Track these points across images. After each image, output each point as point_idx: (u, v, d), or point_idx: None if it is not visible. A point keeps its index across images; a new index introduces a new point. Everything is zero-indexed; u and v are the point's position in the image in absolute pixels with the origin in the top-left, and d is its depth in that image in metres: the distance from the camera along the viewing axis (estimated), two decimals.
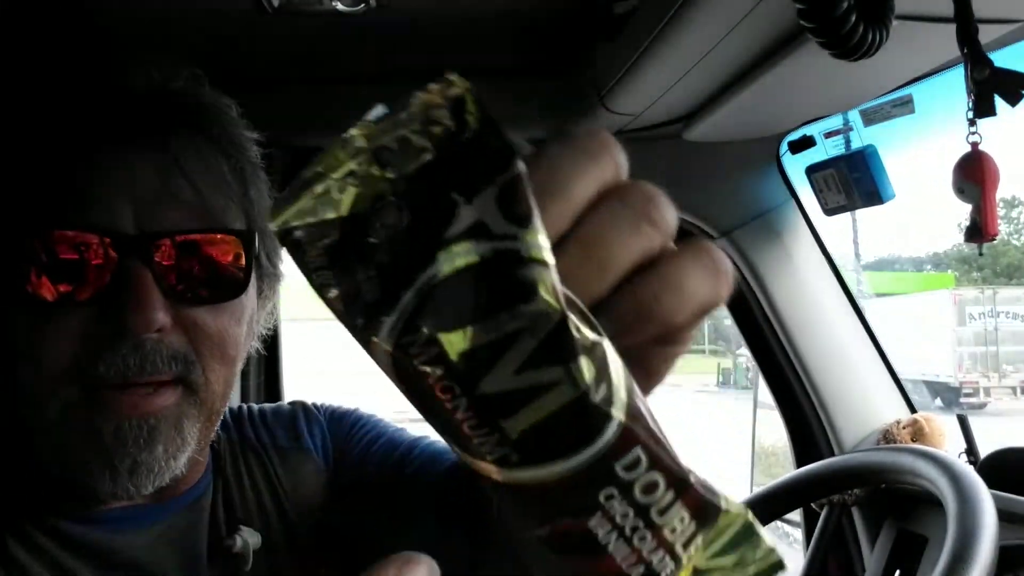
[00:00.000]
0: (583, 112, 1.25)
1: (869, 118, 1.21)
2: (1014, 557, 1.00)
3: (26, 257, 0.56)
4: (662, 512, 0.27)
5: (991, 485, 1.01)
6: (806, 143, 1.30)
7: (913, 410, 1.44)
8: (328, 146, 0.25)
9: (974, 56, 0.71)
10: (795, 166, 1.35)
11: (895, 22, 0.73)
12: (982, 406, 19.10)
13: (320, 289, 0.25)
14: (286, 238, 0.24)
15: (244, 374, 1.64)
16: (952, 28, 0.71)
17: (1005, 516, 0.97)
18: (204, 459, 0.69)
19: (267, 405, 0.81)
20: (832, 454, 1.41)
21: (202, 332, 0.60)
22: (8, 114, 0.61)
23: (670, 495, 0.27)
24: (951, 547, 0.91)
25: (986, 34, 0.75)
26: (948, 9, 0.70)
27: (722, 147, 1.34)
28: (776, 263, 1.40)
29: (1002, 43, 0.90)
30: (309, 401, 0.83)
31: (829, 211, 1.30)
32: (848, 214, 1.29)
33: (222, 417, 0.68)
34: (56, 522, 0.61)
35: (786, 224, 1.40)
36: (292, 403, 0.82)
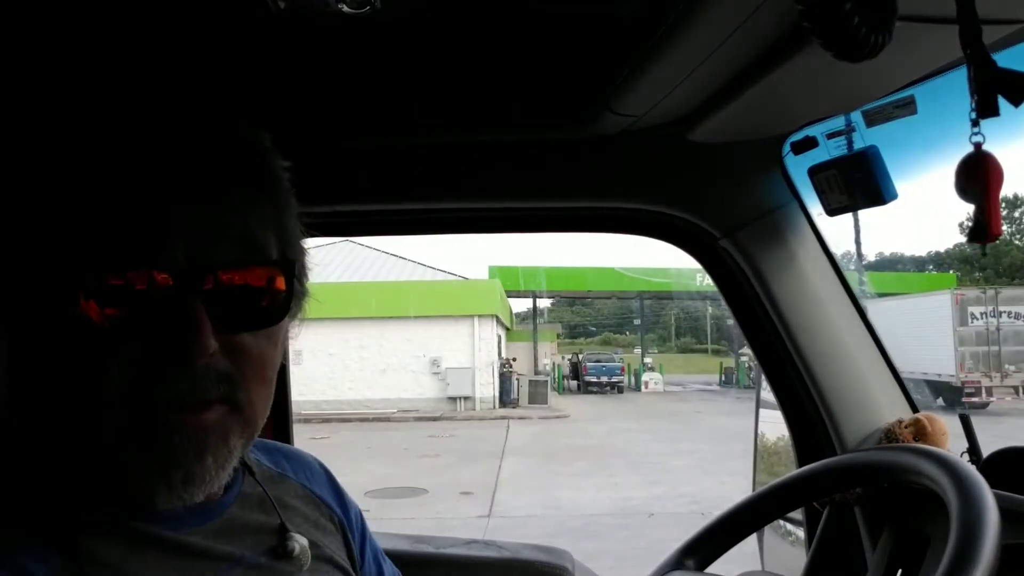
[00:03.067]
0: (586, 114, 1.26)
1: (871, 119, 1.21)
2: (1017, 556, 1.00)
3: (82, 287, 0.59)
4: None
5: (993, 484, 1.01)
6: (808, 144, 1.30)
7: (915, 409, 1.45)
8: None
9: (977, 57, 0.71)
10: (798, 167, 1.35)
11: (897, 23, 0.73)
12: (984, 406, 19.08)
13: None
14: None
15: None
16: (954, 29, 0.71)
17: (1008, 515, 0.97)
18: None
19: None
20: (834, 453, 1.42)
21: (245, 356, 0.66)
22: (69, 144, 0.63)
23: None
24: (953, 546, 0.91)
25: (989, 35, 0.76)
26: (951, 10, 0.71)
27: (725, 148, 1.34)
28: (779, 263, 1.40)
29: (1005, 44, 0.91)
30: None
31: (832, 211, 1.30)
32: (850, 214, 1.29)
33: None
34: (122, 520, 0.66)
35: (789, 224, 1.40)
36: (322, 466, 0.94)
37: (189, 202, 0.62)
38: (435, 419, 20.53)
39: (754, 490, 1.35)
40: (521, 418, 20.84)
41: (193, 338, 0.60)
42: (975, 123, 0.75)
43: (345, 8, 0.87)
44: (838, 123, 1.26)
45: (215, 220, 0.63)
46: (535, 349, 29.67)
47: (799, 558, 1.52)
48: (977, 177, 0.75)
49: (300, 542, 0.76)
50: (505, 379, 23.65)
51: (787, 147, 1.35)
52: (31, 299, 0.62)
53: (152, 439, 0.61)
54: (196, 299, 0.61)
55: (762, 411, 3.41)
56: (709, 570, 1.29)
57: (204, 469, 0.63)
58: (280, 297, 0.67)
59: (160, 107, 0.67)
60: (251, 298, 0.65)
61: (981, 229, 0.76)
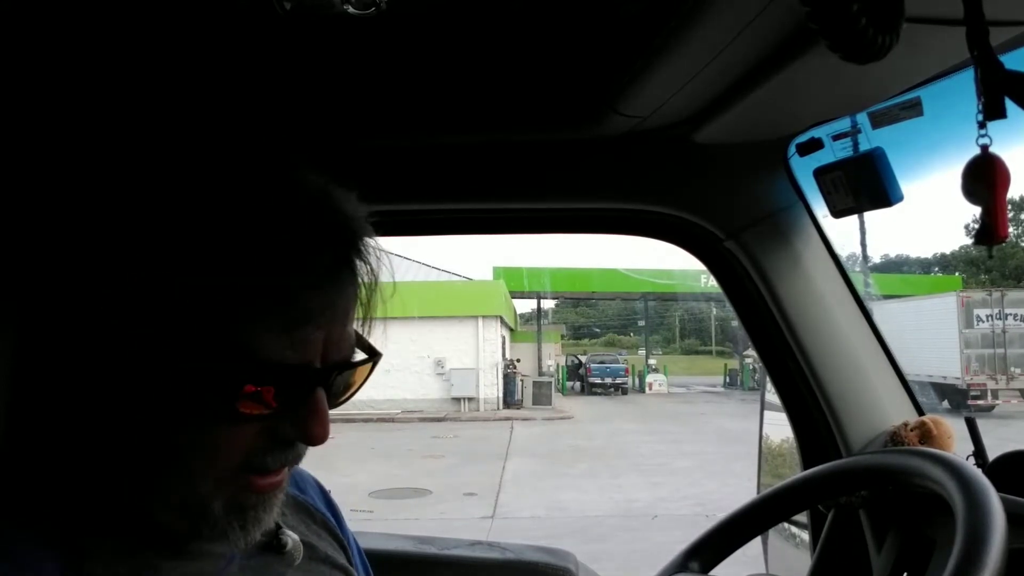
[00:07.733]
0: (591, 115, 1.26)
1: (877, 120, 1.21)
2: (1023, 561, 1.00)
3: (239, 378, 0.62)
4: None
5: (999, 488, 1.01)
6: (814, 145, 1.30)
7: (920, 412, 1.44)
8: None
9: (984, 59, 0.71)
10: (803, 168, 1.35)
11: (905, 24, 0.73)
12: (990, 408, 19.05)
13: None
14: None
15: None
16: (962, 31, 0.71)
17: (1014, 519, 0.97)
18: None
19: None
20: (839, 456, 1.41)
21: None
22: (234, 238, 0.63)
23: None
24: (959, 550, 0.91)
25: (996, 36, 0.75)
26: (958, 11, 0.70)
27: (730, 149, 1.34)
28: (784, 265, 1.40)
29: (1012, 45, 0.91)
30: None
31: (837, 213, 1.30)
32: (856, 216, 1.29)
33: None
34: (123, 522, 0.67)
35: (794, 226, 1.40)
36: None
37: (335, 303, 0.67)
38: (439, 420, 20.54)
39: (759, 493, 1.35)
40: (525, 419, 20.84)
41: (319, 425, 0.66)
42: (982, 125, 0.74)
43: (350, 9, 0.87)
44: (844, 124, 1.25)
45: (345, 321, 0.70)
46: (539, 350, 29.68)
47: (803, 561, 1.52)
48: (984, 179, 0.75)
49: (292, 537, 0.78)
50: (509, 380, 23.66)
51: (792, 148, 1.34)
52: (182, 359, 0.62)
53: (242, 496, 0.67)
54: (322, 391, 0.66)
55: (766, 413, 3.41)
56: (713, 573, 1.29)
57: (270, 519, 0.69)
58: (363, 382, 0.74)
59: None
60: (352, 386, 0.73)
61: (988, 231, 0.75)
